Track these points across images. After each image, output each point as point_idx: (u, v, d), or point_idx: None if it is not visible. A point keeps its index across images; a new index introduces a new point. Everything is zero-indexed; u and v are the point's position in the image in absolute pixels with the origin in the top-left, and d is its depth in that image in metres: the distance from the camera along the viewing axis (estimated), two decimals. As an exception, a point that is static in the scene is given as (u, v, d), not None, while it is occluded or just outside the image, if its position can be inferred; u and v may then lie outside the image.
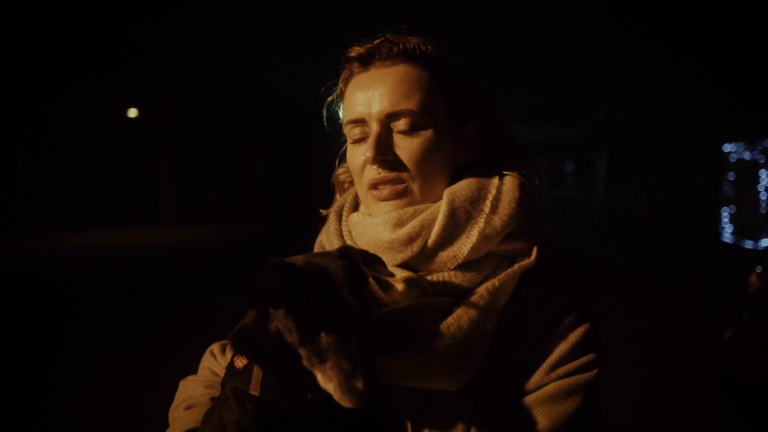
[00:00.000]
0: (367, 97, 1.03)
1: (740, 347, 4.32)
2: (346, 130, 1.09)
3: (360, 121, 1.05)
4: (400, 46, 1.04)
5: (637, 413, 4.47)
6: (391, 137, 1.03)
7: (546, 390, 0.94)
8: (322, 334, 0.82)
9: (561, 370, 0.95)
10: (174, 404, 1.15)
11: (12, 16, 11.02)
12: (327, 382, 0.82)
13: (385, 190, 1.03)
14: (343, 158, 1.21)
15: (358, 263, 0.87)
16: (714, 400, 4.60)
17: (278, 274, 0.82)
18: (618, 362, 5.44)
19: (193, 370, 1.23)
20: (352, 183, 1.21)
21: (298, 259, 0.89)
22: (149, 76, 15.33)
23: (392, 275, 0.91)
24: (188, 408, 1.11)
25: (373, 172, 1.04)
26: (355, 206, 1.16)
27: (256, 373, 0.90)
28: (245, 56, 14.51)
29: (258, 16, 11.07)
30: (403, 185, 1.03)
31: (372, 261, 0.90)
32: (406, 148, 1.02)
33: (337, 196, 1.23)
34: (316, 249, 1.15)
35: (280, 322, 0.85)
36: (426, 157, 1.02)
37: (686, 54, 12.87)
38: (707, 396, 4.71)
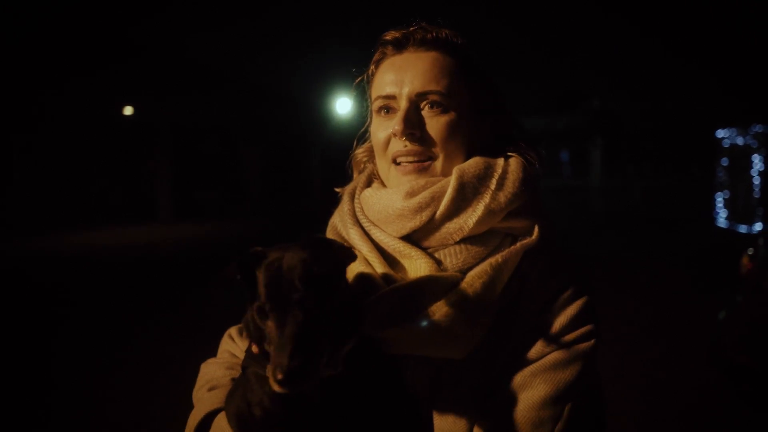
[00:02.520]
0: (400, 76, 1.11)
1: (733, 328, 4.41)
2: (375, 105, 1.16)
3: (390, 98, 1.13)
4: (434, 33, 1.14)
5: (635, 397, 4.53)
6: (419, 115, 1.11)
7: (547, 359, 1.02)
8: (269, 321, 0.86)
9: (561, 341, 1.03)
10: (197, 386, 1.21)
11: (10, 14, 10.99)
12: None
13: (410, 166, 1.11)
14: (361, 139, 1.30)
15: (313, 257, 0.87)
16: (710, 381, 4.68)
17: (238, 265, 0.89)
18: (615, 347, 5.51)
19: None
20: (367, 164, 1.28)
21: (274, 250, 0.93)
22: (146, 74, 15.29)
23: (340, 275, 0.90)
24: (211, 389, 1.17)
25: (399, 145, 1.11)
26: (368, 186, 1.23)
27: None
28: (243, 53, 14.49)
29: (255, 14, 11.06)
30: (428, 162, 1.11)
31: (330, 254, 0.88)
32: (433, 125, 1.10)
33: (355, 175, 1.30)
34: (329, 231, 1.21)
35: (251, 308, 0.91)
36: (450, 136, 1.10)
37: (679, 42, 12.91)
38: (703, 378, 4.78)
